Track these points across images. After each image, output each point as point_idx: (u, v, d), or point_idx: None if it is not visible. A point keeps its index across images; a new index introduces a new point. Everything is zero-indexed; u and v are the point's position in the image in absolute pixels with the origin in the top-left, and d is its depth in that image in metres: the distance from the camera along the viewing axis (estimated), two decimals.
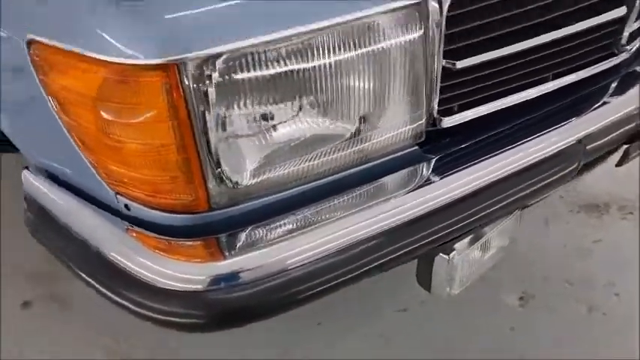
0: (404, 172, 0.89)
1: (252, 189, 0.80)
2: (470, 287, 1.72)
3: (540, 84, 1.01)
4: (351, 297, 1.74)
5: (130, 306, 0.77)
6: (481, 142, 0.94)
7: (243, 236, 0.79)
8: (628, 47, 1.11)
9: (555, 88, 1.03)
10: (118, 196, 0.81)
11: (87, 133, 0.77)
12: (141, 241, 0.79)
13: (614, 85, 1.12)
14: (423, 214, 0.83)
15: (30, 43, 0.77)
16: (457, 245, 0.89)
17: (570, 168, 0.95)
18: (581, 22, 0.96)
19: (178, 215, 0.78)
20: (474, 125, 0.95)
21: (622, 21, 1.04)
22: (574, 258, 1.87)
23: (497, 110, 0.97)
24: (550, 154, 0.94)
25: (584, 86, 1.09)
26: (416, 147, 0.91)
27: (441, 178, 0.86)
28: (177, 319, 0.77)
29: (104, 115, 0.72)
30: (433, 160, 0.91)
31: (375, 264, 0.82)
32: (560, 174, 0.95)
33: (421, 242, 0.84)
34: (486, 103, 0.95)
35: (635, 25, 1.07)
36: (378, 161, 0.89)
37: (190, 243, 0.79)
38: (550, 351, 1.57)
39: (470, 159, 0.91)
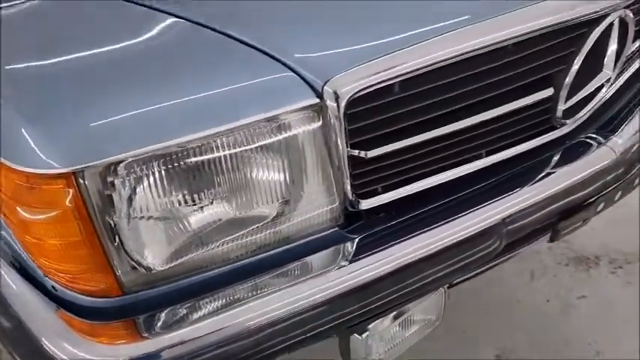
0: (324, 252, 0.93)
1: (168, 273, 0.85)
2: (448, 343, 1.75)
3: (471, 162, 1.05)
4: None
5: None
6: (404, 222, 0.97)
7: (161, 317, 0.84)
8: (568, 121, 1.13)
9: (487, 165, 1.06)
10: (46, 277, 0.88)
11: (11, 225, 0.84)
12: (67, 322, 0.85)
13: (555, 157, 1.13)
14: (335, 296, 0.86)
15: None
16: (371, 326, 0.92)
17: (490, 248, 0.97)
18: (502, 106, 0.99)
19: (97, 299, 0.84)
20: (407, 202, 0.99)
21: (551, 100, 1.07)
22: (556, 314, 1.85)
23: (426, 189, 1.00)
24: (471, 234, 0.96)
25: (526, 159, 1.11)
26: (336, 228, 0.95)
27: (355, 260, 0.89)
28: None
29: (20, 213, 0.79)
30: (355, 241, 0.95)
31: (288, 343, 0.86)
32: (480, 254, 0.96)
33: (332, 323, 0.88)
34: (409, 184, 0.98)
35: (568, 104, 1.10)
36: (299, 242, 0.93)
37: (111, 325, 0.84)
38: None
39: (391, 239, 0.93)
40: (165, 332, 0.82)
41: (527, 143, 1.10)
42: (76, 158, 0.73)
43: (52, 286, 0.87)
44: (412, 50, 0.85)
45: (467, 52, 0.90)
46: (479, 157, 1.06)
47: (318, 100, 0.82)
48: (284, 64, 0.83)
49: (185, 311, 0.85)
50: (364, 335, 0.91)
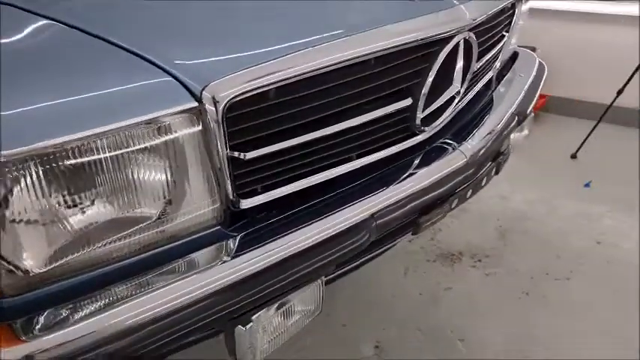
0: (207, 250, 0.97)
1: (48, 275, 0.85)
2: (330, 337, 1.85)
3: (344, 164, 1.15)
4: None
5: None
6: (283, 220, 1.04)
7: (39, 320, 0.83)
8: (426, 128, 1.27)
9: (356, 167, 1.16)
10: None
11: None
12: None
13: (416, 161, 1.27)
14: (217, 290, 0.91)
15: None
16: (254, 317, 0.97)
17: (361, 240, 1.07)
18: (367, 114, 1.11)
19: None
20: (282, 201, 1.06)
21: (410, 109, 1.20)
22: (427, 306, 2.03)
23: (304, 188, 1.09)
24: (343, 228, 1.05)
25: (391, 162, 1.24)
26: (218, 227, 1.00)
27: (237, 255, 0.95)
28: None
29: None
30: (237, 238, 1.00)
31: (174, 337, 0.89)
32: (352, 246, 1.06)
33: (215, 316, 0.92)
34: (287, 184, 1.06)
35: (427, 112, 1.24)
36: (183, 241, 0.96)
37: None
38: None
39: (270, 235, 1.00)
40: (43, 335, 0.82)
41: (392, 148, 1.23)
42: None
43: None
44: (286, 60, 0.93)
45: (336, 64, 0.99)
46: (349, 159, 1.16)
47: (196, 104, 0.87)
48: (163, 70, 0.87)
49: (65, 313, 0.85)
50: (248, 326, 0.96)
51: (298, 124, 1.01)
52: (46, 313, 0.85)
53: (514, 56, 1.87)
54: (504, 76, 1.73)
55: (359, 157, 1.18)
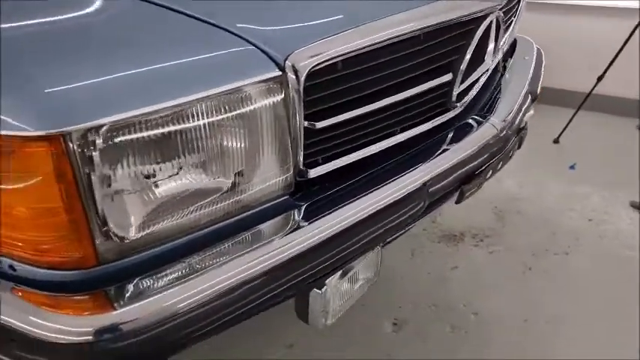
0: (278, 218, 1.00)
1: (138, 242, 0.86)
2: (349, 317, 1.90)
3: (391, 137, 1.20)
4: (244, 333, 1.82)
5: None
6: (345, 189, 1.08)
7: (131, 287, 0.85)
8: (458, 104, 1.34)
9: (404, 139, 1.21)
10: (2, 258, 0.84)
11: None
12: (27, 299, 0.82)
13: (450, 135, 1.33)
14: (295, 256, 0.94)
15: None
16: (328, 281, 1.01)
17: (418, 207, 1.13)
18: (415, 88, 1.16)
19: (66, 272, 0.82)
20: (339, 173, 1.10)
21: (450, 84, 1.26)
22: (437, 284, 2.10)
23: (358, 160, 1.13)
24: (401, 196, 1.10)
25: (429, 136, 1.29)
26: (287, 196, 1.03)
27: (310, 223, 0.98)
28: None
29: None
30: (303, 207, 1.04)
31: (254, 304, 0.92)
32: (410, 212, 1.11)
33: (295, 281, 0.95)
34: (347, 155, 1.10)
35: (462, 87, 1.30)
36: (255, 210, 0.99)
37: (79, 297, 0.83)
38: None
39: (336, 203, 1.04)
40: (135, 302, 0.83)
41: (429, 123, 1.29)
42: (60, 121, 0.72)
43: (10, 266, 0.84)
44: (356, 31, 0.98)
45: (396, 37, 1.04)
46: (394, 134, 1.22)
47: (279, 73, 0.90)
48: (246, 40, 0.90)
49: (154, 280, 0.87)
50: (323, 289, 1.00)
51: (360, 96, 1.06)
52: (135, 282, 0.86)
53: (514, 43, 1.97)
54: (509, 59, 1.82)
55: (402, 131, 1.23)
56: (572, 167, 2.83)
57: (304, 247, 0.96)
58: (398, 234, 1.22)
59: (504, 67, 1.78)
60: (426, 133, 1.29)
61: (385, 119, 1.16)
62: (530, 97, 1.61)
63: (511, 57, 1.87)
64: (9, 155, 0.73)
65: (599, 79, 2.84)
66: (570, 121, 3.07)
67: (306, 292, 1.01)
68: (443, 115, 1.32)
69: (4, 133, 0.72)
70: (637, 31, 2.68)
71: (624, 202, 2.53)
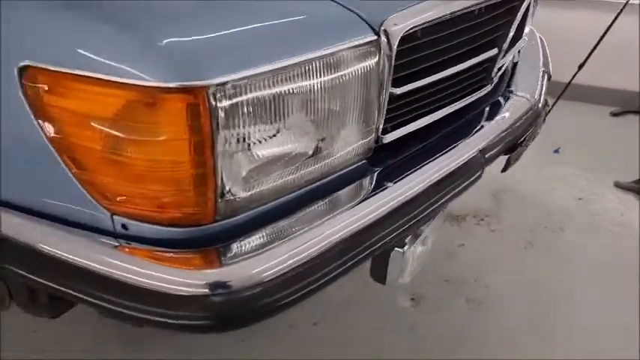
0: (361, 181, 1.04)
1: (246, 201, 0.88)
2: (369, 295, 1.95)
3: (443, 108, 1.25)
4: None
5: (144, 316, 0.80)
6: (417, 153, 1.14)
7: (241, 244, 0.86)
8: (494, 79, 1.41)
9: (454, 109, 1.27)
10: (115, 217, 0.84)
11: (89, 155, 0.79)
12: (137, 255, 0.83)
13: (491, 108, 1.41)
14: (386, 214, 0.98)
15: (23, 69, 0.78)
16: (407, 240, 1.06)
17: (480, 171, 1.19)
18: (474, 58, 1.22)
19: (184, 229, 0.83)
20: (402, 141, 1.15)
21: (494, 59, 1.33)
22: (447, 261, 2.18)
23: (416, 130, 1.18)
24: (466, 160, 1.16)
25: (467, 110, 1.36)
26: (364, 161, 1.07)
27: (395, 183, 1.03)
28: (188, 322, 0.82)
29: (120, 134, 0.76)
30: (378, 171, 1.08)
31: (355, 260, 0.95)
32: (475, 176, 1.18)
33: (386, 239, 0.99)
34: (413, 122, 1.15)
35: (502, 62, 1.38)
36: (337, 174, 1.03)
37: (189, 254, 0.84)
38: (449, 339, 1.82)
39: (408, 168, 1.09)
40: (245, 259, 0.85)
41: (474, 94, 1.35)
42: (195, 74, 0.74)
43: (123, 225, 0.84)
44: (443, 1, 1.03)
45: (466, 8, 1.10)
46: (445, 105, 1.28)
47: (375, 38, 0.94)
48: (343, 5, 0.93)
49: (259, 238, 0.89)
50: (404, 248, 1.04)
51: (431, 65, 1.11)
52: (244, 239, 0.88)
53: None
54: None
55: (451, 102, 1.29)
56: (556, 151, 2.98)
57: (391, 206, 1.00)
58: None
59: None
60: (465, 107, 1.36)
61: (443, 90, 1.21)
62: (546, 76, 1.71)
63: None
64: (143, 107, 0.74)
65: (580, 66, 3.00)
66: (551, 109, 3.22)
67: (387, 252, 1.05)
68: (482, 89, 1.39)
69: (138, 83, 0.73)
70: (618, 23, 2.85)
71: (609, 183, 2.69)
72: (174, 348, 1.73)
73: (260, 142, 0.87)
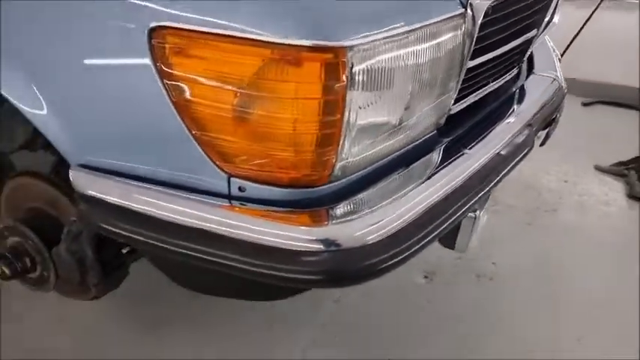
0: (436, 150, 1.09)
1: (355, 164, 0.91)
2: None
3: (489, 84, 1.32)
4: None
5: (269, 272, 0.82)
6: (473, 125, 1.19)
7: (351, 205, 0.90)
8: (524, 60, 1.50)
9: (499, 85, 1.34)
10: (232, 179, 0.85)
11: (215, 114, 0.80)
12: (253, 214, 0.84)
13: (521, 88, 1.49)
14: (469, 177, 1.04)
15: (153, 30, 0.78)
16: (477, 206, 1.12)
17: (532, 141, 1.27)
18: (521, 37, 1.29)
19: (296, 189, 0.85)
20: (461, 114, 1.20)
21: (531, 41, 1.41)
22: None
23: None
24: (518, 132, 1.23)
25: (503, 90, 1.43)
26: (435, 132, 1.12)
27: (470, 149, 1.08)
28: (300, 277, 0.84)
29: (253, 92, 0.77)
30: (448, 140, 1.13)
31: (447, 223, 0.99)
32: (529, 146, 1.25)
33: (474, 199, 1.04)
34: (471, 94, 1.21)
35: (534, 45, 1.46)
36: (414, 144, 1.07)
37: (307, 214, 0.86)
38: (464, 314, 1.90)
39: (473, 138, 1.15)
40: (351, 219, 0.88)
41: (509, 74, 1.43)
42: (335, 34, 0.76)
43: (239, 187, 0.86)
44: None
45: None
46: (489, 82, 1.34)
47: (462, 10, 0.98)
48: None
49: (365, 200, 0.92)
50: (477, 213, 1.10)
51: (496, 40, 1.16)
52: (355, 200, 0.91)
53: None
54: None
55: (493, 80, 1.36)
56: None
57: (472, 170, 1.06)
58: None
59: None
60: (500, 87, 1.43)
61: (498, 65, 1.28)
62: (559, 59, 1.82)
63: None
64: (281, 65, 0.75)
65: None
66: None
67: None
68: (513, 70, 1.47)
69: (278, 41, 0.74)
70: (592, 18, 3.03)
71: (589, 166, 2.86)
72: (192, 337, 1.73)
73: (370, 107, 0.90)
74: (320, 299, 1.90)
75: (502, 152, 1.16)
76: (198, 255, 0.86)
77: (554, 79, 1.52)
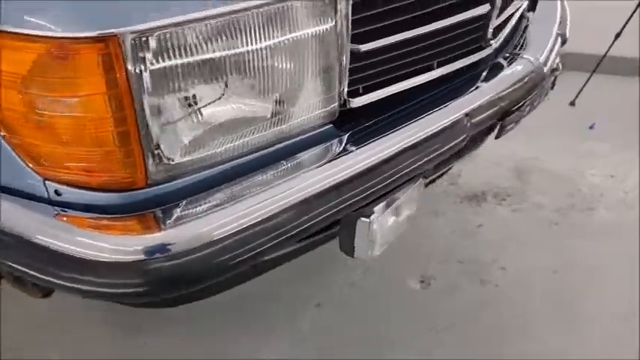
0: (322, 146, 0.98)
1: (184, 166, 0.83)
2: (375, 276, 1.88)
3: (428, 71, 1.16)
4: (269, 298, 1.80)
5: (76, 285, 0.77)
6: (389, 118, 1.05)
7: (177, 210, 0.82)
8: (493, 42, 1.30)
9: (442, 74, 1.18)
10: (47, 182, 0.81)
11: (14, 116, 0.76)
12: (74, 223, 0.79)
13: (488, 69, 1.30)
14: (343, 180, 0.92)
15: None
16: (375, 209, 0.98)
17: (460, 138, 1.10)
18: (455, 16, 1.12)
19: (116, 193, 0.80)
20: (382, 105, 1.07)
21: (487, 17, 1.23)
22: (462, 241, 2.08)
23: (399, 94, 1.09)
24: (444, 125, 1.07)
25: (460, 74, 1.26)
26: (330, 125, 1.00)
27: (357, 148, 0.95)
28: (120, 290, 0.78)
29: (37, 92, 0.72)
30: (347, 135, 1.01)
31: (301, 228, 0.89)
32: (453, 143, 1.09)
33: (343, 204, 0.93)
34: (387, 86, 1.07)
35: (497, 22, 1.27)
36: (298, 138, 0.96)
37: (125, 220, 0.80)
38: (459, 318, 1.73)
39: (380, 132, 1.01)
40: (180, 223, 0.81)
41: (466, 59, 1.25)
42: (112, 22, 0.69)
43: (55, 191, 0.81)
44: None
45: None
46: (430, 68, 1.18)
47: None
48: None
49: (200, 204, 0.84)
50: (372, 217, 0.97)
51: (403, 21, 1.02)
52: (182, 204, 0.84)
53: None
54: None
55: (439, 66, 1.20)
56: (591, 127, 2.79)
57: (352, 172, 0.93)
58: (440, 171, 1.19)
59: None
60: (462, 71, 1.26)
61: (424, 50, 1.12)
62: (560, 39, 1.58)
63: (534, 10, 1.83)
64: (57, 60, 0.70)
65: (617, 36, 2.80)
66: (586, 83, 3.03)
67: (352, 222, 0.98)
68: (478, 53, 1.28)
69: (49, 34, 0.69)
70: None
71: None
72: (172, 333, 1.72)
73: (199, 102, 0.82)
74: (300, 304, 1.81)
75: (409, 149, 1.01)
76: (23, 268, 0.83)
77: (530, 62, 1.31)
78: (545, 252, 1.99)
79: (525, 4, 1.63)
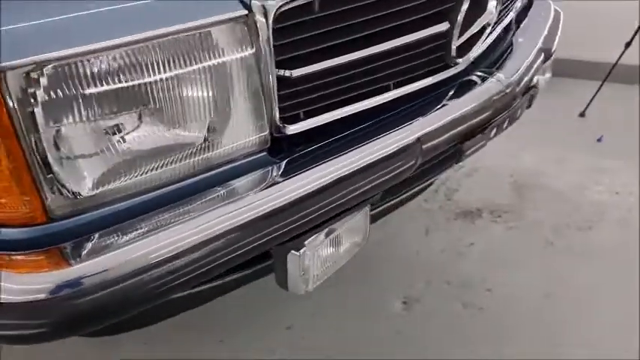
0: (253, 175, 0.93)
1: (95, 198, 0.81)
2: (355, 295, 1.82)
3: (381, 93, 1.11)
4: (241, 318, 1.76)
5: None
6: (331, 144, 1.01)
7: (88, 244, 0.80)
8: (460, 60, 1.24)
9: (396, 96, 1.12)
10: None
11: None
12: None
13: (451, 90, 1.24)
14: (268, 212, 0.88)
15: None
16: (307, 242, 0.94)
17: (409, 164, 1.04)
18: (407, 35, 1.07)
19: (16, 229, 0.77)
20: (323, 129, 1.02)
21: (447, 35, 1.16)
22: (451, 261, 2.00)
23: (349, 116, 1.05)
24: (391, 151, 1.02)
25: (426, 92, 1.20)
26: (264, 152, 0.96)
27: (286, 179, 0.91)
28: (22, 332, 0.76)
29: None
30: (283, 164, 0.96)
31: (220, 261, 0.85)
32: (400, 170, 1.03)
33: (266, 238, 0.89)
34: (331, 110, 1.02)
35: (461, 41, 1.20)
36: (227, 167, 0.92)
37: (33, 255, 0.78)
38: (433, 349, 1.66)
39: (318, 159, 0.97)
40: (90, 258, 0.78)
41: (428, 79, 1.19)
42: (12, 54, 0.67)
43: None
44: None
45: None
46: (387, 89, 1.13)
47: (246, 12, 0.82)
48: None
49: (111, 238, 0.82)
50: (302, 251, 0.92)
51: (342, 43, 0.97)
52: (93, 238, 0.81)
53: (530, 3, 1.84)
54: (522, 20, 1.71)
55: (396, 87, 1.14)
56: (599, 140, 2.67)
57: (278, 203, 0.89)
58: (395, 198, 1.13)
59: (518, 25, 1.66)
60: (427, 91, 1.20)
61: (374, 72, 1.07)
62: (543, 55, 1.50)
63: (525, 17, 1.76)
64: None
65: (628, 44, 2.67)
66: (596, 93, 2.90)
67: (283, 255, 0.94)
68: (443, 72, 1.22)
69: None
70: None
71: None
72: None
73: (115, 136, 0.79)
74: (271, 326, 1.77)
75: (346, 179, 0.96)
76: None
77: (499, 81, 1.25)
78: (536, 273, 1.90)
79: (512, 16, 1.56)
